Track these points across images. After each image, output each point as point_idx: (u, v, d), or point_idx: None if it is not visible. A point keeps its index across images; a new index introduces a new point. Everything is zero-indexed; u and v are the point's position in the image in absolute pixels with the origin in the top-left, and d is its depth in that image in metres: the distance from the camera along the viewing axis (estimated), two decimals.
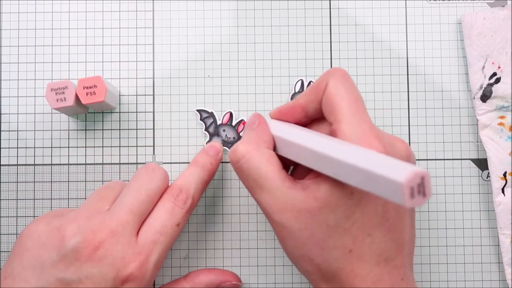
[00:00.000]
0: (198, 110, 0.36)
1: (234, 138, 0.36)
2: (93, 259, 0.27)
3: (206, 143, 0.36)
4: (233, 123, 0.36)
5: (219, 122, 0.36)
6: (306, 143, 0.27)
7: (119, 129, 0.37)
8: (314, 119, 0.30)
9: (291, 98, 0.36)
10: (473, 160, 0.37)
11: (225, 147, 0.36)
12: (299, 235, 0.27)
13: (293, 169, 0.31)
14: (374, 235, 0.26)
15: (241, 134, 0.36)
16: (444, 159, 0.37)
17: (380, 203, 0.26)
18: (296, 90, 0.36)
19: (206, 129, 0.36)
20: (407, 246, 0.27)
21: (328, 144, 0.25)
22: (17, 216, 0.36)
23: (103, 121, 0.37)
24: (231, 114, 0.36)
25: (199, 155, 0.34)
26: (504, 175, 0.35)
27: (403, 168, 0.21)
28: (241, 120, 0.36)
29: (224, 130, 0.36)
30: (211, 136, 0.36)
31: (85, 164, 0.36)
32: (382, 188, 0.22)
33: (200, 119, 0.36)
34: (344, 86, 0.27)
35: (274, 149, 0.30)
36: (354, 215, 0.26)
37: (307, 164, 0.27)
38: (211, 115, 0.36)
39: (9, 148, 0.37)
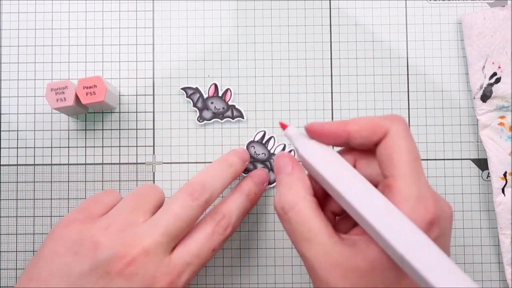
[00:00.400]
0: (183, 88, 0.36)
1: (223, 108, 0.36)
2: (124, 275, 0.27)
3: (197, 119, 0.36)
4: (220, 94, 0.36)
5: (205, 96, 0.36)
6: (353, 200, 0.24)
7: (119, 129, 0.37)
8: (358, 150, 0.28)
9: (247, 147, 0.36)
10: (473, 160, 0.37)
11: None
12: None
13: (337, 220, 0.29)
14: None
15: (229, 103, 0.36)
16: (444, 159, 0.37)
17: None
18: (255, 139, 0.36)
19: (195, 105, 0.36)
20: None
21: (375, 211, 0.24)
22: (17, 216, 0.36)
23: (103, 121, 0.37)
24: (216, 86, 0.36)
25: (245, 181, 0.33)
26: (504, 175, 0.35)
27: (447, 269, 0.21)
28: (227, 89, 0.36)
29: (212, 103, 0.36)
30: (201, 111, 0.36)
31: (85, 164, 0.36)
32: (418, 279, 0.21)
33: (187, 97, 0.36)
34: (406, 142, 0.26)
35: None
36: (404, 281, 0.24)
37: (356, 219, 0.25)
38: (197, 90, 0.36)
39: (9, 148, 0.37)
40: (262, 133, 0.36)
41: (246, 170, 0.36)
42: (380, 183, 0.26)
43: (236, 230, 0.33)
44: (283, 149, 0.36)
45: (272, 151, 0.36)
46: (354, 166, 0.28)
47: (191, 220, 0.30)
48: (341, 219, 0.29)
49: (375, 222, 0.23)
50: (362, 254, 0.24)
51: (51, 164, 0.36)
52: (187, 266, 0.29)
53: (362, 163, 0.28)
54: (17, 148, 0.37)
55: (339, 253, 0.25)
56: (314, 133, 0.28)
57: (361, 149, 0.28)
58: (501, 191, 0.35)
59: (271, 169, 0.36)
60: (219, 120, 0.36)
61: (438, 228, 0.24)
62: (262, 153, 0.36)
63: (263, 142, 0.36)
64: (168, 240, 0.29)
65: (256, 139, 0.36)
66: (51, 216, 0.36)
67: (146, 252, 0.28)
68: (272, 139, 0.36)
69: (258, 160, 0.36)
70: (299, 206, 0.26)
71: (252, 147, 0.36)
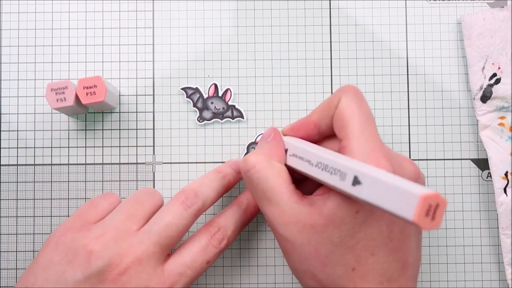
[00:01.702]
0: (183, 88, 0.36)
1: (223, 108, 0.36)
2: (116, 284, 0.28)
3: (197, 119, 0.36)
4: (220, 94, 0.36)
5: (205, 96, 0.36)
6: (318, 153, 0.27)
7: (119, 129, 0.37)
8: (326, 136, 0.30)
9: (247, 148, 0.36)
10: (473, 160, 0.37)
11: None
12: (303, 250, 0.27)
13: (303, 183, 0.31)
14: (378, 255, 0.26)
15: (229, 103, 0.36)
16: (444, 159, 0.37)
17: (385, 223, 0.26)
18: (256, 140, 0.36)
19: (195, 105, 0.36)
20: (411, 267, 0.27)
21: (339, 157, 0.26)
22: (17, 216, 0.36)
23: (103, 121, 0.37)
24: (216, 86, 0.36)
25: (244, 195, 0.33)
26: (506, 174, 0.35)
27: (420, 187, 0.21)
28: (227, 89, 0.36)
29: (212, 103, 0.36)
30: (201, 111, 0.36)
31: (85, 164, 0.36)
32: (394, 201, 0.22)
33: (187, 97, 0.36)
34: (356, 104, 0.27)
35: (286, 164, 0.30)
36: (358, 234, 0.26)
37: (316, 176, 0.27)
38: (197, 90, 0.36)
39: (9, 148, 0.37)
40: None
41: None
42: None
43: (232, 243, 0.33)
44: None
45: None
46: None
47: (183, 229, 0.30)
48: (307, 183, 0.31)
49: (347, 163, 0.25)
50: (319, 211, 0.26)
51: (51, 164, 0.36)
52: (180, 277, 0.29)
53: (326, 143, 0.30)
54: (17, 148, 0.37)
55: (297, 211, 0.27)
56: (288, 131, 0.31)
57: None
58: (503, 191, 0.35)
59: None
60: (219, 120, 0.36)
61: None
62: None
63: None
64: (161, 249, 0.29)
65: (257, 141, 0.36)
66: (51, 216, 0.36)
67: (139, 261, 0.28)
68: None
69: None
70: (260, 165, 0.28)
71: (253, 148, 0.36)
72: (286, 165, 0.30)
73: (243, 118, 0.36)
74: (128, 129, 0.37)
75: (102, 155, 0.37)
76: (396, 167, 0.26)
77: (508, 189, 0.35)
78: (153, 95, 0.37)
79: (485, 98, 0.36)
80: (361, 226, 0.26)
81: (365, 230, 0.26)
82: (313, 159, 0.27)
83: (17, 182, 0.36)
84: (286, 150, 0.30)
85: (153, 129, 0.37)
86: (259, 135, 0.36)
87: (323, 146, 0.30)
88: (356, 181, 0.24)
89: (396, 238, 0.26)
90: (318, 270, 0.27)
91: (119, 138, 0.37)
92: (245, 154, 0.36)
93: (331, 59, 0.37)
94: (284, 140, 0.31)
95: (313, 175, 0.27)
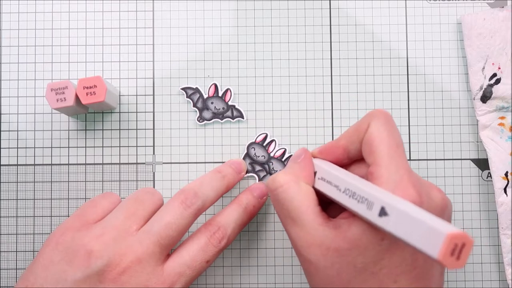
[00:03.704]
0: (183, 89, 0.36)
1: (223, 108, 0.36)
2: (116, 283, 0.28)
3: (197, 119, 0.36)
4: (220, 94, 0.36)
5: (205, 96, 0.36)
6: (346, 179, 0.27)
7: (119, 129, 0.37)
8: (356, 160, 0.30)
9: (247, 148, 0.36)
10: (473, 160, 0.37)
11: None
12: (325, 273, 0.26)
13: (329, 206, 0.31)
14: (400, 282, 0.25)
15: (229, 103, 0.36)
16: (444, 159, 0.37)
17: (409, 251, 0.26)
18: (256, 141, 0.36)
19: (195, 105, 0.36)
20: None
21: (367, 185, 0.25)
22: (17, 216, 0.36)
23: (103, 121, 0.37)
24: (216, 86, 0.36)
25: (244, 194, 0.33)
26: (506, 175, 0.35)
27: (447, 225, 0.21)
28: (227, 89, 0.36)
29: (212, 103, 0.36)
30: (201, 111, 0.36)
31: (85, 164, 0.36)
32: (420, 237, 0.21)
33: (187, 97, 0.36)
34: (386, 129, 0.27)
35: (314, 186, 0.30)
36: (382, 261, 0.25)
37: (343, 202, 0.27)
38: (197, 90, 0.36)
39: (9, 148, 0.37)
40: (264, 135, 0.36)
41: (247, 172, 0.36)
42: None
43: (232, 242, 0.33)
44: (283, 153, 0.36)
45: (272, 154, 0.36)
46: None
47: (183, 229, 0.30)
48: (333, 206, 0.30)
49: (375, 192, 0.24)
50: (343, 235, 0.26)
51: (51, 164, 0.36)
52: (179, 276, 0.29)
53: (353, 167, 0.30)
54: (17, 148, 0.37)
55: (322, 233, 0.26)
56: (317, 155, 0.31)
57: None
58: (503, 191, 0.35)
59: (269, 172, 0.36)
60: (219, 120, 0.36)
61: None
62: (262, 156, 0.36)
63: (264, 144, 0.36)
64: (161, 249, 0.29)
65: (257, 141, 0.36)
66: (51, 216, 0.36)
67: (138, 261, 0.28)
68: (274, 142, 0.36)
69: (257, 162, 0.36)
70: (288, 184, 0.28)
71: (253, 149, 0.36)
72: (313, 188, 0.29)
73: (243, 118, 0.36)
74: (128, 129, 0.37)
75: (102, 155, 0.37)
76: (424, 196, 0.25)
77: (508, 189, 0.35)
78: (153, 95, 0.37)
79: (485, 98, 0.36)
80: (385, 253, 0.25)
81: (389, 258, 0.25)
82: (341, 184, 0.27)
83: (17, 182, 0.36)
84: (315, 173, 0.30)
85: (153, 129, 0.37)
86: (259, 135, 0.36)
87: (351, 170, 0.30)
88: (383, 212, 0.23)
89: (419, 267, 0.26)
90: None
91: (119, 138, 0.37)
92: (245, 154, 0.36)
93: (331, 59, 0.37)
94: (314, 162, 0.30)
95: (340, 201, 0.27)
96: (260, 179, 0.36)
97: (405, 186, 0.25)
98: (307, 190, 0.28)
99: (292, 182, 0.28)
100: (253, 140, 0.36)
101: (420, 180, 0.27)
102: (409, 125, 0.37)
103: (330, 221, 0.27)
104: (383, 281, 0.25)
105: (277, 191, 0.28)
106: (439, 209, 0.26)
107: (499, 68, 0.36)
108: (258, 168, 0.36)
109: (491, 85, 0.36)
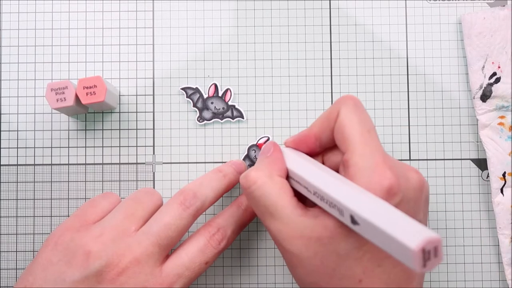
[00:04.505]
0: (182, 88, 0.36)
1: (223, 108, 0.36)
2: (114, 284, 0.28)
3: (197, 119, 0.36)
4: (220, 94, 0.36)
5: (205, 96, 0.36)
6: (314, 183, 0.26)
7: (119, 129, 0.37)
8: (329, 147, 0.30)
9: (247, 150, 0.36)
10: (473, 160, 0.37)
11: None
12: (309, 263, 0.26)
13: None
14: (384, 266, 0.26)
15: (229, 103, 0.36)
16: (444, 159, 0.37)
17: None
18: (257, 143, 0.36)
19: (195, 105, 0.36)
20: (417, 277, 0.27)
21: (336, 187, 0.25)
22: (17, 216, 0.36)
23: (103, 121, 0.37)
24: (216, 86, 0.36)
25: (244, 195, 0.33)
26: (503, 175, 0.35)
27: (417, 232, 0.21)
28: (227, 89, 0.36)
29: (212, 103, 0.36)
30: (201, 111, 0.36)
31: (85, 164, 0.36)
32: (392, 247, 0.21)
33: (187, 97, 0.36)
34: (355, 115, 0.27)
35: (287, 177, 0.29)
36: (364, 246, 0.25)
37: (316, 203, 0.27)
38: (197, 90, 0.36)
39: (9, 148, 0.37)
40: (265, 139, 0.36)
41: None
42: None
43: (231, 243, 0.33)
44: None
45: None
46: (323, 162, 0.30)
47: (182, 230, 0.30)
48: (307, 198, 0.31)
49: (347, 203, 0.24)
50: (323, 223, 0.26)
51: (51, 164, 0.36)
52: (178, 278, 0.29)
53: (328, 155, 0.30)
54: (17, 148, 0.37)
55: (302, 224, 0.26)
56: (290, 144, 0.31)
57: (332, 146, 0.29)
58: (499, 191, 0.35)
59: None
60: (219, 120, 0.36)
61: (398, 196, 0.25)
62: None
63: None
64: (159, 250, 0.29)
65: (258, 143, 0.36)
66: (51, 216, 0.36)
67: (137, 261, 0.28)
68: None
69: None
70: (261, 180, 0.28)
71: (253, 151, 0.36)
72: (287, 179, 0.29)
73: (243, 118, 0.36)
74: (128, 129, 0.37)
75: (102, 155, 0.37)
76: (401, 178, 0.25)
77: (505, 190, 0.35)
78: (153, 95, 0.37)
79: (485, 97, 0.36)
80: None
81: (371, 243, 0.25)
82: (310, 188, 0.27)
83: (17, 182, 0.36)
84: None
85: (153, 129, 0.37)
86: (261, 138, 0.36)
87: (327, 157, 0.30)
88: (353, 220, 0.23)
89: None
90: (324, 282, 0.26)
91: (119, 138, 0.37)
92: (245, 156, 0.36)
93: (331, 59, 0.37)
94: (284, 153, 0.30)
95: (314, 201, 0.27)
96: None
97: (381, 170, 0.25)
98: (281, 183, 0.28)
99: (265, 177, 0.28)
100: (254, 143, 0.36)
101: (395, 162, 0.27)
102: (409, 125, 0.37)
103: (309, 211, 0.27)
104: (367, 266, 0.26)
105: (251, 188, 0.28)
106: (417, 189, 0.27)
107: (499, 67, 0.36)
108: None
109: (491, 84, 0.36)
